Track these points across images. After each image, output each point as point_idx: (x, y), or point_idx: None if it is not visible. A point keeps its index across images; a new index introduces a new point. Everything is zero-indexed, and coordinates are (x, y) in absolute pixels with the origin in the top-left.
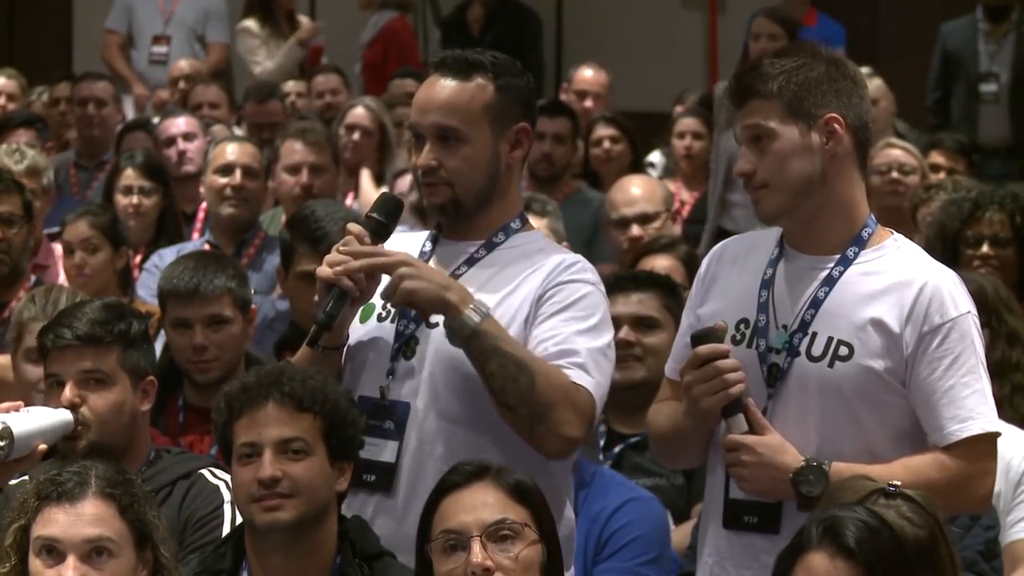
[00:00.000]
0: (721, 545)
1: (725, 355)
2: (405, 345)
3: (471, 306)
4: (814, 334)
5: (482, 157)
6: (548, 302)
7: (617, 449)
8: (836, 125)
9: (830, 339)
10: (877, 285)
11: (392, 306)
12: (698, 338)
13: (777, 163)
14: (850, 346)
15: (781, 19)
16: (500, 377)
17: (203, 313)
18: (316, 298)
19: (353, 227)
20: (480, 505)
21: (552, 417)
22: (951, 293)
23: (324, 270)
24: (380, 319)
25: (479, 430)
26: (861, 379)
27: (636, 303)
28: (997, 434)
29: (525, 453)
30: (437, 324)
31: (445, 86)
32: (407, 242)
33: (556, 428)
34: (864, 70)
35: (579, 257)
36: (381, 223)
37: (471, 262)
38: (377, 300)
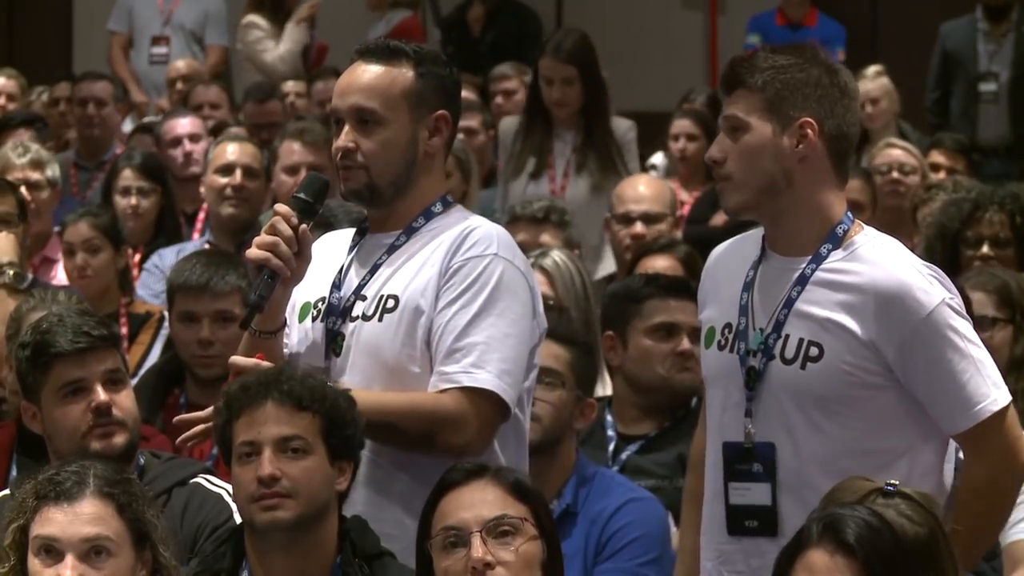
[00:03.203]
0: (710, 552)
1: None
2: (333, 342)
3: None
4: (787, 336)
5: (399, 141)
6: (446, 287)
7: (624, 456)
8: (809, 130)
9: (801, 340)
10: (846, 284)
11: None
12: None
13: (744, 157)
14: (820, 346)
15: (569, 54)
16: (375, 439)
17: (212, 308)
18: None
19: (280, 207)
20: (479, 502)
21: (437, 442)
22: (920, 288)
23: (253, 252)
24: (313, 319)
25: None
26: (833, 379)
27: (692, 314)
28: (1009, 404)
29: None
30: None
31: (367, 70)
32: (335, 242)
33: (446, 448)
34: (873, 68)
35: (485, 226)
36: (308, 203)
37: (391, 250)
38: (312, 298)
